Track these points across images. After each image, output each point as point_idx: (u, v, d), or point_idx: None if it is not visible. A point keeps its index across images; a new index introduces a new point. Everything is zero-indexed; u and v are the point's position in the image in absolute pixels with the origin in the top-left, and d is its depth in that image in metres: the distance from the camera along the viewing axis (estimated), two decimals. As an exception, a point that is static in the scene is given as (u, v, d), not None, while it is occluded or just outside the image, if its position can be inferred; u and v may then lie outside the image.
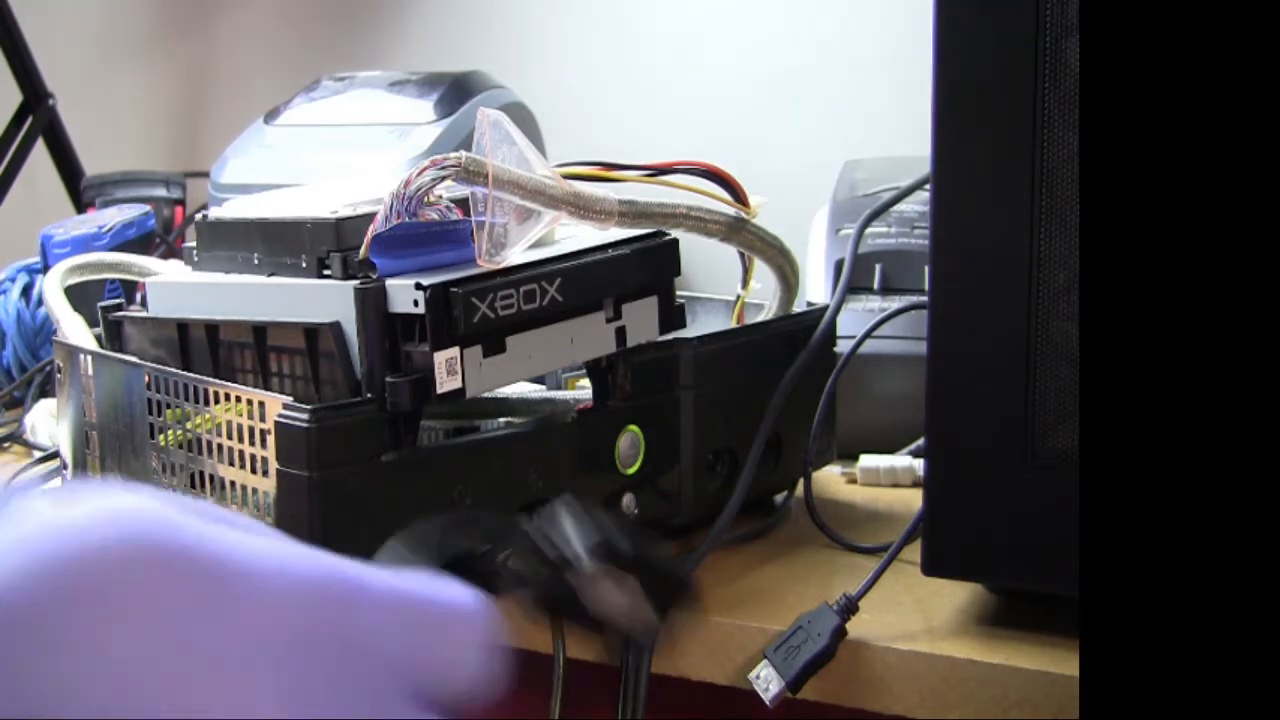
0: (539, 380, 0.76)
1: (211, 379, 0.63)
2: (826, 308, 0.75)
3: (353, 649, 0.29)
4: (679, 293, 0.68)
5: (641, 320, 0.65)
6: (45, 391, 1.02)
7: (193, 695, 0.27)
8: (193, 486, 0.66)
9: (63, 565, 0.26)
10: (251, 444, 0.59)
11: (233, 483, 0.62)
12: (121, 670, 0.26)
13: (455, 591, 0.32)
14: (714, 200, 0.70)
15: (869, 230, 0.85)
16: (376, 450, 0.57)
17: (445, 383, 0.57)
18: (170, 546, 0.27)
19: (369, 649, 0.30)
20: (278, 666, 0.28)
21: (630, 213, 0.65)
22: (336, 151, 1.07)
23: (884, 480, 0.81)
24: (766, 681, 0.57)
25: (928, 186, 0.56)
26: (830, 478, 0.82)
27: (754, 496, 0.69)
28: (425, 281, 0.57)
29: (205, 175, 1.15)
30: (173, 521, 0.28)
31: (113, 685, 0.26)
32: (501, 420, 0.66)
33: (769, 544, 0.71)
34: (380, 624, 0.30)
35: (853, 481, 0.82)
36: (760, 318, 0.78)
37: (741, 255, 0.75)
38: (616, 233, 0.66)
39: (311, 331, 0.62)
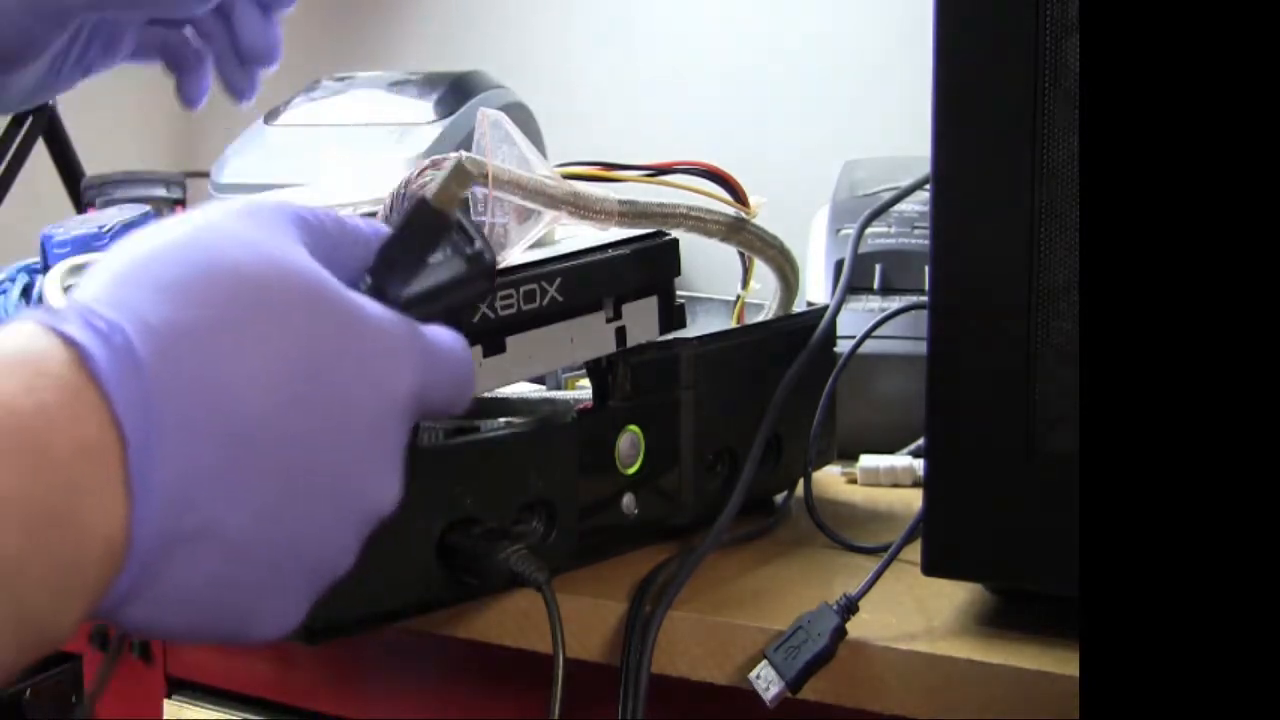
0: (539, 380, 0.76)
1: (211, 379, 0.63)
2: (826, 308, 0.75)
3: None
4: (679, 293, 0.68)
5: (641, 320, 0.65)
6: (45, 391, 1.01)
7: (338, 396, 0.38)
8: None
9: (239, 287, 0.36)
10: (251, 444, 0.59)
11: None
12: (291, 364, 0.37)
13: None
14: (714, 200, 0.70)
15: (869, 230, 0.85)
16: (376, 450, 0.57)
17: (445, 383, 0.57)
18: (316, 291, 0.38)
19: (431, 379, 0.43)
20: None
21: (630, 213, 0.65)
22: (336, 151, 1.07)
23: (884, 480, 0.81)
24: (766, 681, 0.57)
25: (928, 186, 0.56)
26: (830, 478, 0.82)
27: (754, 496, 0.69)
28: (425, 281, 0.57)
29: (205, 175, 1.15)
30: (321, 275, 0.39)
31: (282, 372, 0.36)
32: (501, 420, 0.66)
33: (769, 544, 0.71)
34: (439, 370, 0.43)
35: (853, 481, 0.82)
36: (760, 318, 0.78)
37: (741, 255, 0.75)
38: (616, 233, 0.66)
39: (311, 331, 0.62)
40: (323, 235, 0.41)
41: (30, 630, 0.33)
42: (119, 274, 0.36)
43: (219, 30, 0.67)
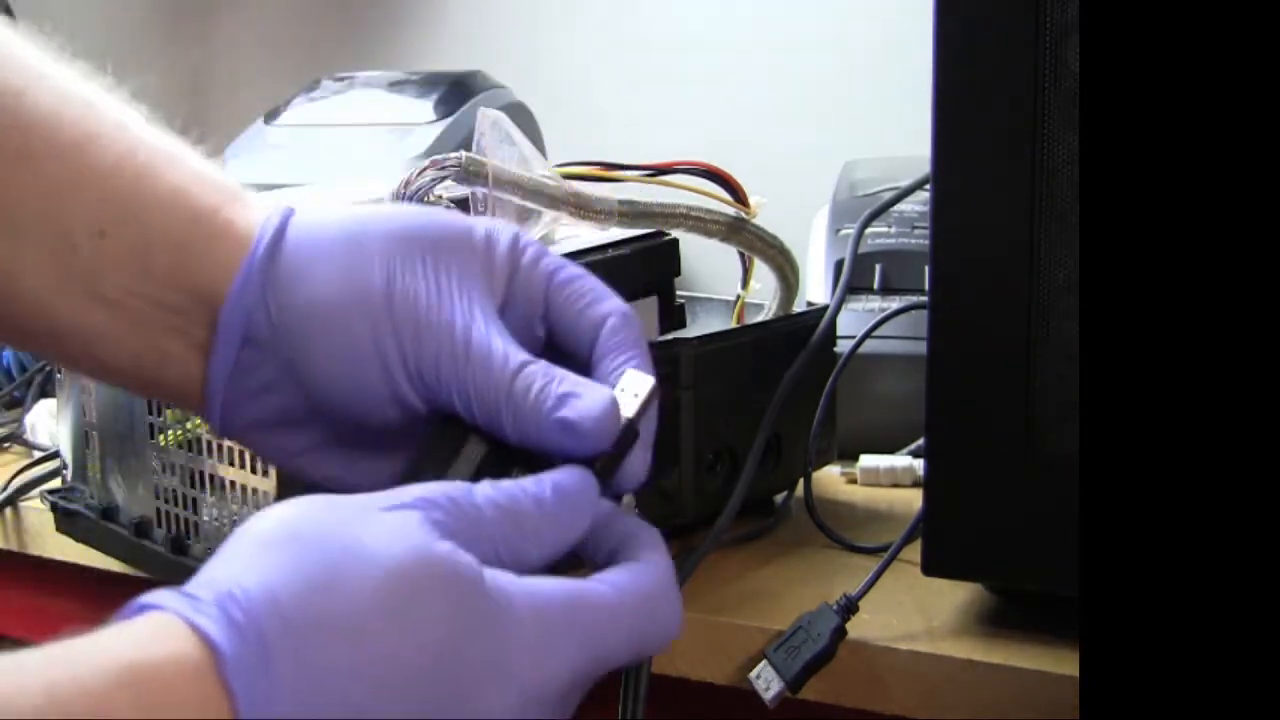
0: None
1: (211, 379, 0.63)
2: (826, 308, 0.75)
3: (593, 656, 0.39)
4: (679, 293, 0.68)
5: (641, 320, 0.65)
6: (45, 391, 1.02)
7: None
8: (192, 486, 0.66)
9: (381, 584, 0.36)
10: (251, 444, 0.59)
11: (233, 483, 0.62)
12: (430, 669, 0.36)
13: (662, 578, 0.42)
14: (714, 200, 0.70)
15: (869, 230, 0.85)
16: (376, 450, 0.57)
17: (445, 383, 0.57)
18: (466, 589, 0.37)
19: (605, 647, 0.40)
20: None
21: (630, 213, 0.65)
22: (336, 151, 1.07)
23: (884, 480, 0.81)
24: (767, 681, 0.57)
25: (928, 186, 0.56)
26: (830, 478, 0.82)
27: (754, 496, 0.69)
28: (425, 281, 0.57)
29: (205, 175, 1.14)
30: (470, 569, 0.37)
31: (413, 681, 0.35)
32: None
33: (769, 544, 0.71)
34: (616, 632, 0.40)
35: (853, 481, 0.82)
36: (760, 318, 0.78)
37: (741, 255, 0.75)
38: (616, 233, 0.66)
39: (311, 331, 0.62)
40: (461, 518, 0.39)
41: None
42: (260, 554, 0.36)
43: None
